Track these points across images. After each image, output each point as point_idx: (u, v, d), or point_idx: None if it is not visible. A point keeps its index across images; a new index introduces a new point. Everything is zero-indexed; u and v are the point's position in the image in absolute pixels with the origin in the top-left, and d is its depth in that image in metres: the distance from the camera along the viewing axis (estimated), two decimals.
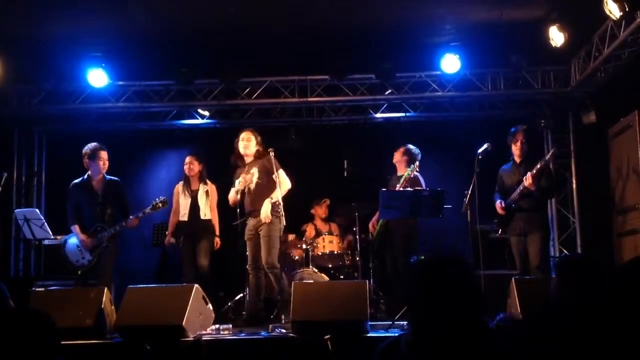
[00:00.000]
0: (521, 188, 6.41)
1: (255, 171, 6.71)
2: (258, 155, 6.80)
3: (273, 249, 6.57)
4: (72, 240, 6.80)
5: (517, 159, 6.68)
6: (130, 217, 6.77)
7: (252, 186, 6.68)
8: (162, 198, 6.97)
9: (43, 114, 9.17)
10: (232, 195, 6.80)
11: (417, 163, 7.15)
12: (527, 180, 6.32)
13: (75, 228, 6.77)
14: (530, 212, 6.50)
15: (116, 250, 6.85)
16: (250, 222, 6.70)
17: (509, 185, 6.67)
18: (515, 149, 6.68)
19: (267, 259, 6.52)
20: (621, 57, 7.33)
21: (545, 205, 7.06)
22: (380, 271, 7.91)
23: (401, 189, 6.88)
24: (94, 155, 6.84)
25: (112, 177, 7.00)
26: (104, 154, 6.88)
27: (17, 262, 9.29)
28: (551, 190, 6.87)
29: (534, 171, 6.32)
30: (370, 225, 7.66)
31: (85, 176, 6.92)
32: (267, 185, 6.65)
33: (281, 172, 6.67)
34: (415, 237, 7.20)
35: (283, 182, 6.66)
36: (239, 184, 6.69)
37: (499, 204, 6.65)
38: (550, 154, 6.56)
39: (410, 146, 7.53)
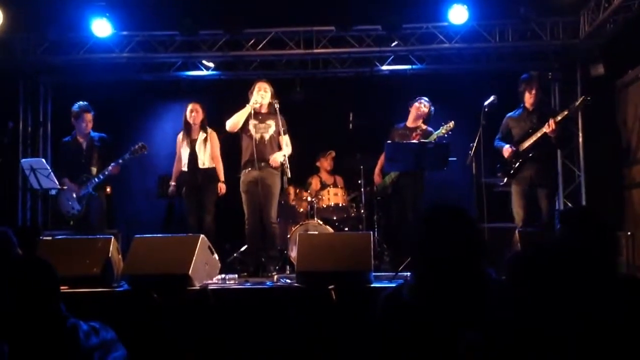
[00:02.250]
0: (539, 134, 6.34)
1: (272, 123, 6.73)
2: (273, 109, 6.76)
3: (275, 204, 6.70)
4: (63, 193, 7.12)
5: (530, 107, 6.58)
6: (112, 164, 6.95)
7: (267, 136, 6.69)
8: (140, 144, 7.08)
9: (47, 64, 9.16)
10: (237, 119, 6.69)
11: (452, 123, 6.94)
12: (550, 126, 6.22)
13: (65, 180, 7.10)
14: (542, 163, 6.45)
15: (106, 199, 7.22)
16: (251, 174, 6.64)
17: (517, 133, 6.59)
18: (530, 97, 6.55)
19: (271, 214, 6.63)
20: (631, 8, 7.23)
21: (556, 157, 6.98)
22: (386, 224, 7.95)
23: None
24: (78, 116, 7.19)
25: (99, 134, 7.29)
26: (87, 116, 7.19)
27: (24, 212, 9.39)
28: (568, 139, 6.74)
29: (559, 117, 6.24)
30: (375, 176, 7.66)
31: (73, 133, 7.28)
32: (279, 141, 6.72)
33: (287, 137, 6.71)
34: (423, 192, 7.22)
35: (289, 145, 6.73)
36: (253, 103, 6.61)
37: (508, 148, 6.55)
38: (580, 100, 6.41)
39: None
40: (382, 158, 7.46)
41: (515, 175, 6.56)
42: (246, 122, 6.68)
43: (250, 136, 6.68)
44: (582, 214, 2.78)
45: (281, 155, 6.62)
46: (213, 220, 7.18)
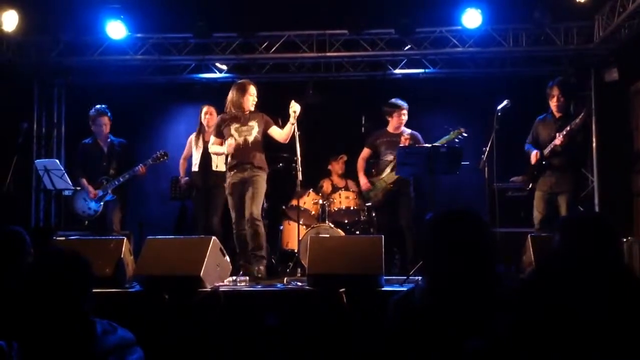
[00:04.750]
0: (551, 146, 6.33)
1: (255, 124, 6.56)
2: (256, 110, 6.64)
3: (260, 203, 6.48)
4: (80, 193, 7.23)
5: (556, 114, 6.55)
6: (140, 164, 7.11)
7: (250, 139, 6.51)
8: (162, 151, 7.27)
9: (62, 66, 9.23)
10: (217, 150, 6.68)
11: (463, 130, 6.80)
12: (558, 139, 6.23)
13: (82, 181, 7.19)
14: (561, 171, 6.39)
15: (123, 202, 7.32)
16: (237, 176, 6.49)
17: (543, 138, 6.54)
18: (553, 105, 6.51)
19: (255, 212, 6.37)
20: None
21: (578, 164, 6.90)
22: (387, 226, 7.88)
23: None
24: (95, 119, 7.31)
25: (119, 139, 7.42)
26: (103, 119, 7.29)
27: (37, 213, 9.45)
28: (585, 146, 6.70)
29: (564, 132, 6.24)
30: (363, 184, 7.51)
31: (94, 136, 7.37)
32: (263, 141, 6.61)
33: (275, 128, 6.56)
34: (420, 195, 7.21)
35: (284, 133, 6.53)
36: (228, 145, 6.44)
37: (536, 153, 6.47)
38: (580, 116, 6.39)
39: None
40: (361, 162, 7.50)
41: (537, 179, 6.54)
42: (228, 128, 6.54)
43: (234, 141, 6.53)
44: (579, 222, 2.74)
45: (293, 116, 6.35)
46: (220, 222, 7.21)
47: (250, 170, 6.47)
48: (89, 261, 2.27)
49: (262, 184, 6.50)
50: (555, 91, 6.47)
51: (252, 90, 6.59)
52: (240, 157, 6.50)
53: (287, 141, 6.46)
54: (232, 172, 6.56)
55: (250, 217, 6.37)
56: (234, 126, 6.53)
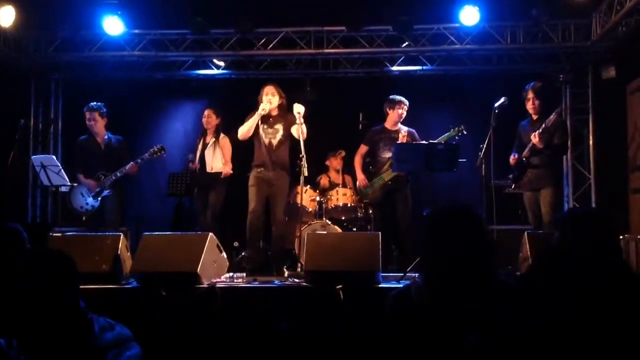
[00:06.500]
0: (530, 145, 6.43)
1: (280, 127, 6.83)
2: (282, 112, 6.87)
3: (284, 205, 6.91)
4: (77, 188, 7.24)
5: (534, 117, 6.66)
6: (130, 162, 7.08)
7: (275, 142, 6.83)
8: (159, 146, 7.28)
9: (59, 62, 9.20)
10: (246, 128, 6.78)
11: (463, 127, 7.02)
12: (535, 137, 6.35)
13: (80, 176, 7.22)
14: (541, 168, 6.53)
15: (120, 197, 7.32)
16: (262, 173, 6.79)
17: (525, 141, 6.66)
18: (529, 108, 6.67)
19: (280, 215, 6.81)
20: None
21: (557, 161, 7.06)
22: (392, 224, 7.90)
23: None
24: (86, 116, 7.31)
25: (117, 136, 7.45)
26: (93, 115, 7.30)
27: (34, 209, 9.44)
28: (563, 147, 6.83)
29: (540, 130, 6.32)
30: (360, 180, 7.49)
31: (90, 132, 7.39)
32: (288, 142, 6.85)
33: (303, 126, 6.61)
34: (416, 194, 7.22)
35: (304, 133, 6.60)
36: (260, 111, 6.66)
37: (512, 157, 6.68)
38: (554, 113, 6.45)
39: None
40: (358, 159, 7.51)
41: (518, 181, 6.68)
42: (257, 127, 6.80)
43: (260, 141, 6.83)
44: (574, 217, 2.75)
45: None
46: (212, 218, 7.31)
47: (274, 171, 6.79)
48: (72, 258, 2.27)
49: (286, 187, 6.92)
50: (530, 95, 6.62)
51: (265, 90, 6.83)
52: (265, 157, 6.80)
53: (302, 138, 6.47)
54: (257, 170, 6.85)
55: (276, 220, 6.84)
56: (262, 126, 6.82)
